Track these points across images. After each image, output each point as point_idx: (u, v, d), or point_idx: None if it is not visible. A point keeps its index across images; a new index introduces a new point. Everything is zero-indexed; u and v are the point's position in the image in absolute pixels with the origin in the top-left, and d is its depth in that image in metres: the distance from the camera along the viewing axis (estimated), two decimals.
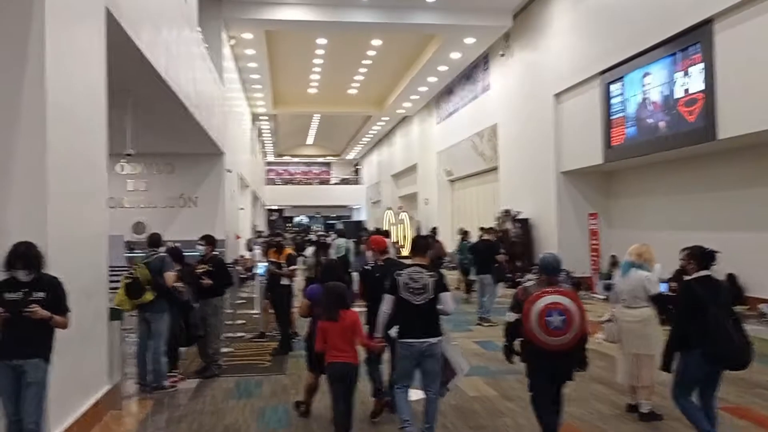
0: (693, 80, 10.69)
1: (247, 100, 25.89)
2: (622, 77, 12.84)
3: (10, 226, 4.39)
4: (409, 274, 4.82)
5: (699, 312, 4.36)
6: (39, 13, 4.58)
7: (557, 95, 15.62)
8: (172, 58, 9.44)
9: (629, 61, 12.51)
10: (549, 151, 15.90)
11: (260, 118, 30.97)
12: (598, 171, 15.28)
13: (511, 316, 4.57)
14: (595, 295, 13.65)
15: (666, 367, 4.59)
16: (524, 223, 16.91)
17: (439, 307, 4.83)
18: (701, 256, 4.67)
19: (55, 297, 4.11)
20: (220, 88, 15.76)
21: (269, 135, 37.13)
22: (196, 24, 12.92)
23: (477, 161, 22.09)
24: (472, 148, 22.22)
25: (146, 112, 11.61)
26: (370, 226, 40.66)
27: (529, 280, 4.94)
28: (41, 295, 4.04)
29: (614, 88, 13.14)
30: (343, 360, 4.84)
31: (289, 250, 8.89)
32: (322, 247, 10.67)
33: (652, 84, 11.86)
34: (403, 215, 29.99)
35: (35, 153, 4.52)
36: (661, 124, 11.63)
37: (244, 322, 11.39)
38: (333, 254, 13.64)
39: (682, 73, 10.99)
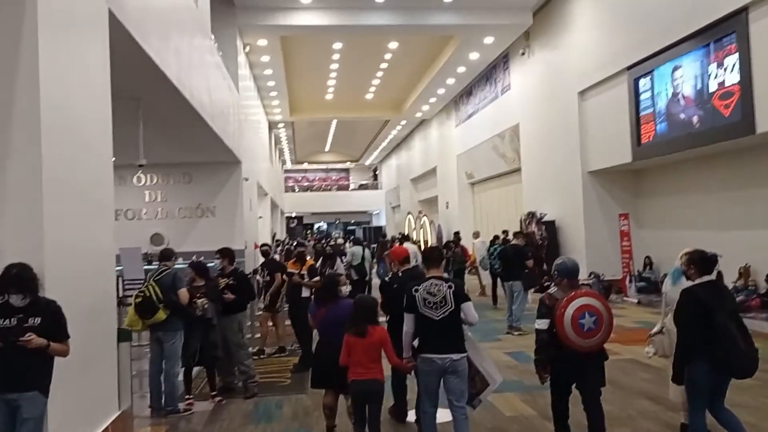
0: (728, 72, 10.15)
1: (264, 108, 25.68)
2: (651, 71, 12.32)
3: (4, 245, 4.04)
4: (426, 288, 4.65)
5: (704, 319, 4.20)
6: (31, 18, 4.23)
7: (581, 93, 15.12)
8: (184, 64, 9.13)
9: (658, 54, 11.99)
10: (574, 151, 15.39)
11: (277, 125, 30.77)
12: (626, 170, 14.74)
13: (543, 323, 4.56)
14: (627, 299, 13.11)
15: (677, 378, 4.44)
16: (550, 225, 16.39)
17: (462, 316, 4.66)
18: (702, 261, 4.50)
19: (53, 323, 3.75)
20: (235, 96, 15.49)
21: (287, 142, 36.93)
22: (209, 31, 12.64)
23: (498, 163, 21.62)
24: (493, 150, 21.74)
25: (160, 122, 11.35)
26: (390, 231, 40.43)
27: (554, 286, 4.84)
28: (37, 321, 3.68)
29: (643, 83, 12.62)
30: (368, 377, 4.66)
31: (311, 261, 8.50)
32: (327, 258, 10.16)
33: (684, 77, 11.34)
34: (424, 219, 29.54)
35: (29, 168, 4.17)
36: (695, 119, 11.10)
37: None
38: (345, 263, 13.33)
39: (715, 65, 10.46)
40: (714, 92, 10.52)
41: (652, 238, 14.00)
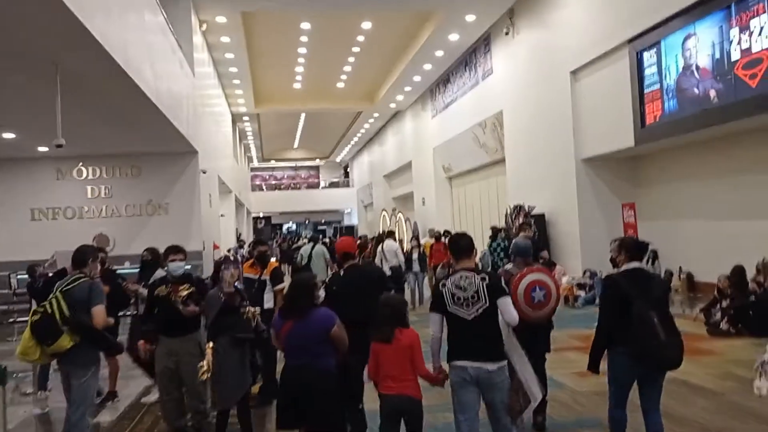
0: (755, 36, 8.81)
1: (227, 98, 23.96)
2: (657, 43, 10.97)
3: None
4: (454, 281, 3.99)
5: (623, 307, 4.03)
6: None
7: (574, 72, 13.74)
8: (113, 19, 7.45)
9: (666, 22, 10.64)
10: (566, 137, 14.02)
11: (242, 119, 29.02)
12: (624, 156, 13.42)
13: None
14: None
15: (592, 365, 4.26)
16: (539, 219, 14.98)
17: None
18: (633, 247, 4.36)
19: None
20: (189, 77, 13.78)
21: (252, 138, 35.14)
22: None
23: (479, 154, 20.23)
24: (473, 141, 20.34)
25: (94, 98, 9.69)
26: (362, 230, 38.91)
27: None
28: None
29: (647, 57, 11.27)
30: (401, 392, 3.99)
31: (274, 264, 6.81)
32: (284, 255, 8.31)
33: (698, 47, 9.99)
34: (399, 216, 28.07)
35: None
36: (712, 93, 9.76)
37: None
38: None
39: (738, 29, 9.12)
40: (737, 61, 9.17)
41: (655, 230, 12.67)
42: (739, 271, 9.37)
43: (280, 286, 6.27)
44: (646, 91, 11.37)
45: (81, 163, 14.15)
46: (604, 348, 4.21)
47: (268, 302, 6.16)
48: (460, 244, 4.23)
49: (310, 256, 11.97)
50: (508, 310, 3.93)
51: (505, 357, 4.03)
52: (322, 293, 4.37)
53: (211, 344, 4.74)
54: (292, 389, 4.08)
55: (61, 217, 14.12)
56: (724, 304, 8.74)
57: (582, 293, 11.87)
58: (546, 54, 14.92)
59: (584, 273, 13.37)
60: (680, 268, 12.54)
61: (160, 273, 5.91)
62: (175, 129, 12.02)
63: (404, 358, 3.99)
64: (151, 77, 9.74)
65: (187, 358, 5.03)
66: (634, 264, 4.25)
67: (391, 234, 13.04)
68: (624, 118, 11.93)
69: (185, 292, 5.08)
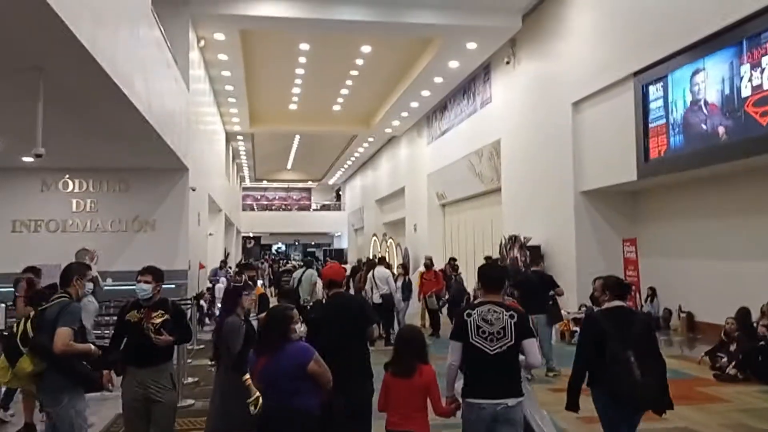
0: (766, 74, 8.61)
1: (221, 116, 23.65)
2: (664, 77, 10.77)
3: None
4: (481, 314, 3.88)
5: (600, 346, 4.00)
6: None
7: (576, 104, 13.53)
8: (103, 28, 7.12)
9: (674, 56, 10.45)
10: (566, 169, 13.76)
11: (236, 138, 28.69)
12: (625, 190, 13.19)
13: None
14: None
15: (570, 405, 4.22)
16: (535, 250, 14.65)
17: (521, 357, 3.91)
18: (617, 286, 4.34)
19: None
20: (183, 92, 13.45)
21: (246, 158, 34.78)
22: (150, 11, 10.62)
23: (474, 183, 19.96)
24: (469, 169, 20.09)
25: (89, 115, 9.41)
26: (352, 255, 38.46)
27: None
28: None
29: (653, 90, 11.07)
30: (409, 428, 3.85)
31: (260, 290, 6.33)
32: (275, 280, 7.72)
33: (707, 82, 9.78)
34: (390, 242, 27.70)
35: None
36: (720, 129, 9.53)
37: (197, 380, 8.62)
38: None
39: (749, 66, 8.92)
40: (747, 98, 8.95)
41: (654, 267, 12.39)
42: (744, 314, 9.07)
43: (263, 315, 5.86)
44: (651, 125, 11.15)
45: (67, 176, 13.71)
46: (580, 387, 4.19)
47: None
48: (491, 276, 4.10)
49: (299, 280, 11.53)
50: (533, 352, 3.89)
51: (523, 393, 3.89)
52: (302, 328, 3.97)
53: (248, 377, 4.22)
54: (269, 431, 3.76)
55: (43, 229, 13.63)
56: (732, 347, 8.39)
57: (578, 329, 11.45)
58: (547, 84, 14.73)
59: (580, 308, 13.02)
60: (680, 307, 12.21)
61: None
62: (166, 145, 11.64)
63: (418, 395, 3.86)
64: (143, 90, 9.39)
65: (159, 392, 4.57)
66: (616, 303, 4.24)
67: (382, 260, 12.64)
68: (627, 152, 11.69)
69: (159, 320, 4.63)
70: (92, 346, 4.40)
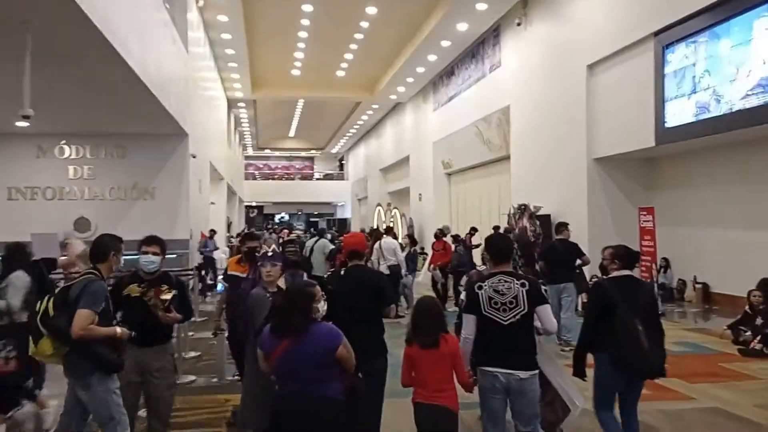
0: None
1: (222, 82, 23.10)
2: (685, 37, 10.22)
3: None
4: (492, 285, 3.89)
5: (608, 313, 4.04)
6: None
7: (591, 66, 12.99)
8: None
9: (697, 15, 9.90)
10: (579, 135, 13.28)
11: (238, 105, 28.14)
12: (640, 157, 12.74)
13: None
14: None
15: (577, 372, 4.24)
16: (545, 220, 14.25)
17: (536, 324, 3.91)
18: (627, 256, 4.36)
19: None
20: (182, 54, 12.94)
21: (248, 126, 34.25)
22: None
23: (482, 151, 19.44)
24: (477, 136, 19.57)
25: (82, 76, 8.98)
26: (356, 224, 38.11)
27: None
28: None
29: (674, 52, 10.52)
30: (439, 402, 3.70)
31: None
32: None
33: (732, 43, 9.25)
34: (395, 212, 27.30)
35: None
36: (743, 93, 9.02)
37: (199, 354, 8.30)
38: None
39: None
40: None
41: (668, 237, 12.00)
42: (766, 284, 8.68)
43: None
44: (670, 88, 10.63)
45: (63, 141, 13.29)
46: (586, 354, 4.24)
47: None
48: (499, 247, 4.11)
49: (311, 250, 11.16)
50: (548, 318, 3.85)
51: (538, 366, 3.86)
52: (323, 306, 3.57)
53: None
54: (288, 423, 3.31)
55: (39, 197, 13.27)
56: (758, 321, 8.02)
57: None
58: (560, 47, 14.16)
59: (590, 279, 12.65)
60: (695, 278, 11.85)
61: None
62: (164, 109, 11.21)
63: (445, 365, 3.75)
64: (138, 50, 8.92)
65: (160, 372, 4.23)
66: (625, 272, 4.26)
67: (389, 230, 12.23)
68: (644, 117, 11.21)
69: (168, 296, 4.24)
70: (118, 329, 3.92)
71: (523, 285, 3.83)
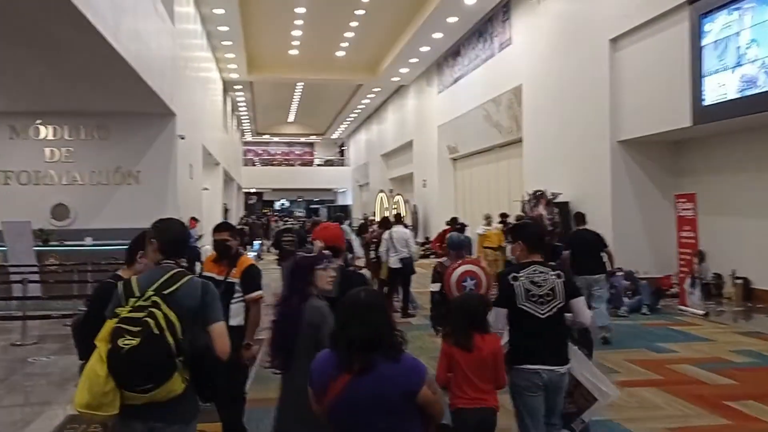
0: None
1: (217, 62, 21.98)
2: (728, 3, 9.13)
3: None
4: (528, 276, 3.57)
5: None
6: None
7: (614, 40, 11.89)
8: None
9: None
10: (601, 115, 12.20)
11: (234, 88, 27.02)
12: (670, 140, 11.68)
13: (436, 286, 5.29)
14: (686, 309, 9.92)
15: None
16: (563, 207, 13.21)
17: (568, 316, 3.63)
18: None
19: None
20: (167, 26, 11.83)
21: (246, 110, 33.13)
22: None
23: (490, 134, 18.38)
24: (485, 119, 18.49)
25: (51, 48, 7.98)
26: (357, 211, 37.10)
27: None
28: None
29: (712, 21, 9.43)
30: (484, 405, 3.38)
31: (248, 260, 4.49)
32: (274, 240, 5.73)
33: None
34: (398, 198, 26.27)
35: None
36: None
37: None
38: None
39: None
40: None
41: (703, 227, 10.92)
42: None
43: (256, 294, 4.31)
44: (708, 62, 9.55)
45: (39, 121, 12.19)
46: None
47: (236, 317, 4.21)
48: (535, 233, 3.89)
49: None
50: (583, 311, 3.68)
51: (569, 360, 3.66)
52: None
53: None
54: None
55: (14, 182, 12.20)
56: None
57: (624, 299, 10.07)
58: (579, 20, 13.04)
59: (615, 271, 11.64)
60: (733, 272, 10.78)
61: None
62: (147, 86, 10.15)
63: (486, 366, 3.44)
64: (111, 17, 7.87)
65: None
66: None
67: (399, 219, 11.15)
68: (678, 95, 10.14)
69: None
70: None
71: (558, 276, 3.60)
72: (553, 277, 3.59)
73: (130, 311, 2.59)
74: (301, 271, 3.46)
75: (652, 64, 10.99)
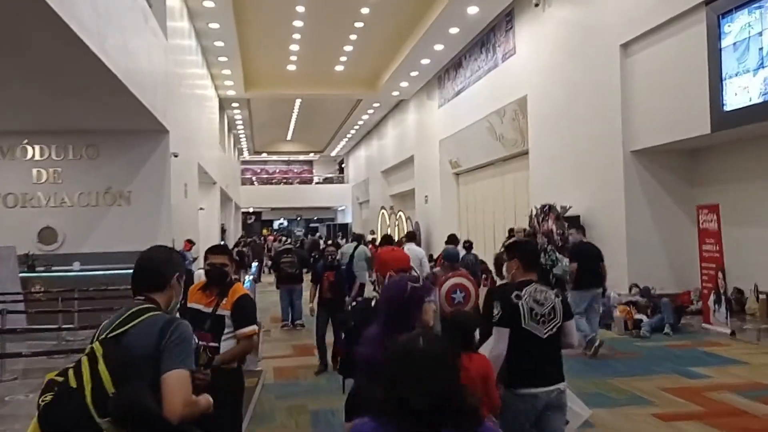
0: None
1: (213, 79, 21.52)
2: (749, 1, 8.64)
3: None
4: (531, 294, 3.47)
5: None
6: None
7: (625, 46, 11.41)
8: None
9: None
10: (612, 124, 11.69)
11: (231, 105, 26.57)
12: (682, 149, 11.17)
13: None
14: (711, 328, 9.32)
15: None
16: (573, 221, 12.64)
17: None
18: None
19: None
20: (157, 36, 11.35)
21: (243, 128, 32.68)
22: None
23: (494, 147, 17.87)
24: (488, 132, 17.98)
25: (38, 61, 7.55)
26: (357, 229, 36.49)
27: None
28: None
29: (734, 21, 8.93)
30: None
31: (241, 289, 3.82)
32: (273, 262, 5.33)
33: None
34: (400, 215, 25.72)
35: None
36: None
37: None
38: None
39: None
40: None
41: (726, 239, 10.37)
42: None
43: (249, 329, 3.70)
44: (727, 65, 9.04)
45: (26, 140, 11.66)
46: None
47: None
48: (533, 251, 3.88)
49: (352, 256, 9.77)
50: (573, 333, 3.66)
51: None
52: None
53: None
54: None
55: (0, 204, 11.63)
56: None
57: (643, 317, 9.48)
58: (587, 26, 12.57)
59: (631, 288, 11.09)
60: (755, 286, 10.19)
61: None
62: (138, 101, 9.62)
63: (474, 389, 2.97)
64: (95, 27, 7.36)
65: None
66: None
67: (411, 236, 10.58)
68: (695, 100, 9.61)
69: None
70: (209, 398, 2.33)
71: (557, 295, 3.59)
72: (552, 296, 3.56)
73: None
74: (410, 303, 2.84)
75: (666, 69, 10.49)
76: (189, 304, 3.80)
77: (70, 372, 2.08)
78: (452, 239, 12.50)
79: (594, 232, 12.37)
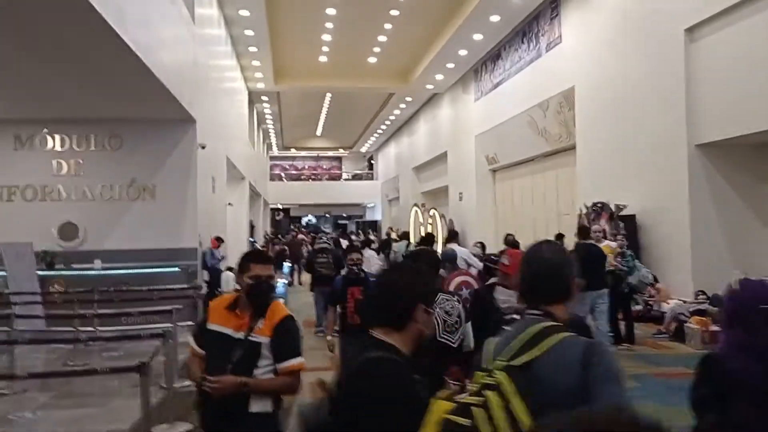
0: None
1: (243, 71, 20.91)
2: None
3: None
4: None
5: None
6: None
7: (690, 30, 10.42)
8: None
9: None
10: (675, 116, 10.72)
11: (261, 99, 25.96)
12: (754, 143, 10.14)
13: None
14: None
15: None
16: (629, 221, 11.69)
17: None
18: None
19: None
20: (188, 24, 10.67)
21: (272, 123, 32.10)
22: None
23: (536, 142, 16.93)
24: (529, 126, 17.05)
25: (63, 47, 6.94)
26: (386, 226, 35.68)
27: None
28: None
29: None
30: None
31: (282, 309, 2.95)
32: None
33: None
34: (434, 212, 24.85)
35: None
36: None
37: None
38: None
39: None
40: None
41: None
42: None
43: (293, 363, 2.85)
44: None
45: (46, 130, 11.05)
46: None
47: (263, 397, 2.81)
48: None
49: (405, 256, 9.03)
50: None
51: None
52: None
53: None
54: None
55: (18, 198, 11.04)
56: None
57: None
58: (644, 10, 11.59)
59: (697, 295, 10.12)
60: None
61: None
62: (163, 88, 8.94)
63: None
64: (118, 11, 6.69)
65: None
66: None
67: (454, 235, 9.76)
68: None
69: None
70: None
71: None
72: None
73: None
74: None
75: (738, 56, 9.49)
76: (210, 326, 2.94)
77: (477, 413, 1.46)
78: (452, 235, 11.73)
79: (652, 233, 11.45)
